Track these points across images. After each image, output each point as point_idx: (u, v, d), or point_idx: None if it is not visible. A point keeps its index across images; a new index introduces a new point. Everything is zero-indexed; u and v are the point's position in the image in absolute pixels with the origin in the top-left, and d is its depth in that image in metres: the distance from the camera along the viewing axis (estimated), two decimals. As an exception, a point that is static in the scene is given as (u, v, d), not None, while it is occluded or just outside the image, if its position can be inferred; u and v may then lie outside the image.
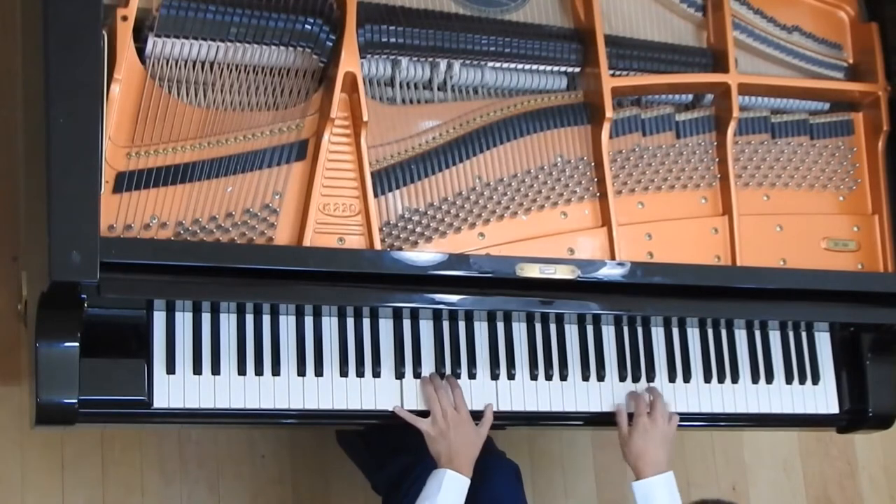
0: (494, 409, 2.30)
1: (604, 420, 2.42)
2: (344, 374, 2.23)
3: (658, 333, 2.46)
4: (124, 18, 2.08)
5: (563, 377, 2.38)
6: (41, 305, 1.96)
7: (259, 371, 2.17)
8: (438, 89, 2.35)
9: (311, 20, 2.19)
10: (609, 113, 2.35)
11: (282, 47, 2.19)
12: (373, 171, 2.22)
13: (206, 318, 2.16)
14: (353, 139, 2.21)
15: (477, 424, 2.26)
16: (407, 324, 2.29)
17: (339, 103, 2.18)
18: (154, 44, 2.12)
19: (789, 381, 2.54)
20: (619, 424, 2.36)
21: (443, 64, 2.32)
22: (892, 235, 2.57)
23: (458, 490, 2.18)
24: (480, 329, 2.34)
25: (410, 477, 2.31)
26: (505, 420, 2.36)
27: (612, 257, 2.34)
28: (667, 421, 2.35)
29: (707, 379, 2.48)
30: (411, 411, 2.24)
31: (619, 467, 3.18)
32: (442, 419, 2.21)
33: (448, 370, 2.29)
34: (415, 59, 2.30)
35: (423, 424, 2.22)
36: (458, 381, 2.29)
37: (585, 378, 2.39)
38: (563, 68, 2.41)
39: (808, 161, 2.58)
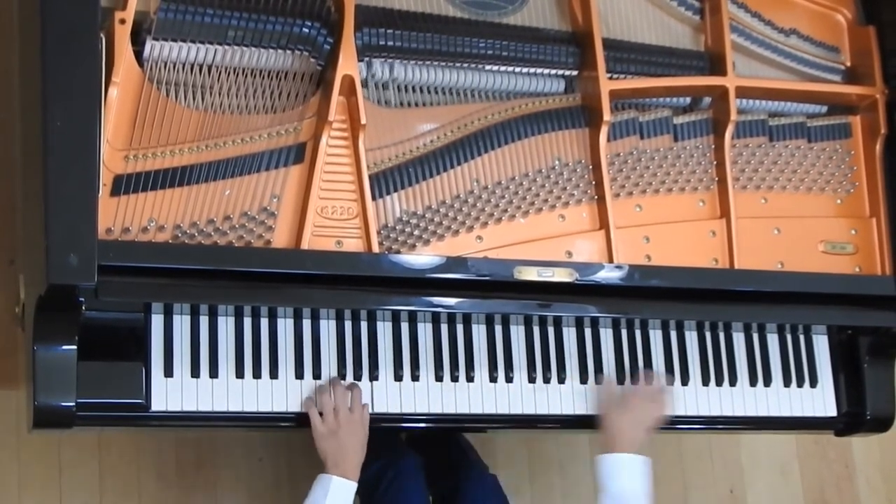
0: (492, 411, 2.30)
1: (602, 423, 2.42)
2: (342, 377, 2.23)
3: (656, 336, 2.46)
4: (122, 21, 2.08)
5: (561, 380, 2.37)
6: (38, 308, 1.96)
7: (257, 374, 2.17)
8: (436, 92, 2.35)
9: (309, 23, 2.20)
10: (607, 116, 2.35)
11: (279, 50, 2.19)
12: (371, 174, 2.22)
13: (203, 321, 2.16)
14: (350, 142, 2.21)
15: None
16: (405, 327, 2.29)
17: (336, 106, 2.18)
18: (152, 47, 2.12)
19: (787, 383, 2.55)
20: (605, 384, 2.32)
21: (441, 67, 2.33)
22: (890, 238, 2.57)
23: (346, 497, 2.12)
24: (478, 332, 2.34)
25: (384, 480, 2.30)
26: (503, 423, 2.36)
27: (610, 260, 2.33)
28: (656, 407, 2.33)
29: (705, 382, 2.48)
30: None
31: (616, 470, 3.18)
32: (332, 417, 2.15)
33: (446, 373, 2.29)
34: (412, 62, 2.30)
35: (314, 418, 2.16)
36: (457, 384, 2.29)
37: (583, 381, 2.39)
38: (560, 71, 2.41)
39: (805, 164, 2.58)
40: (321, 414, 2.16)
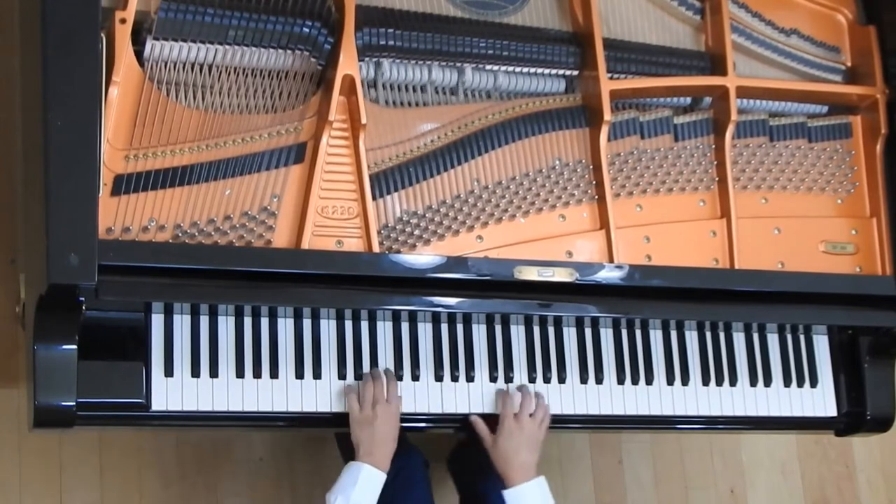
0: (492, 411, 2.30)
1: (603, 422, 2.42)
2: (342, 376, 2.23)
3: (656, 336, 2.46)
4: (123, 21, 2.08)
5: (562, 380, 2.38)
6: (39, 308, 1.96)
7: (257, 374, 2.18)
8: (436, 92, 2.35)
9: (310, 23, 2.20)
10: (607, 116, 2.35)
11: (280, 50, 2.19)
12: (371, 174, 2.22)
13: (204, 320, 2.16)
14: (351, 142, 2.22)
15: None
16: (405, 326, 2.29)
17: (337, 106, 2.18)
18: (152, 46, 2.12)
19: (787, 383, 2.55)
20: (479, 433, 2.27)
21: (441, 67, 2.33)
22: (890, 238, 2.57)
23: (374, 486, 2.15)
24: (479, 332, 2.34)
25: (394, 485, 2.29)
26: (503, 423, 2.36)
27: (611, 260, 2.33)
28: (536, 423, 2.27)
29: (705, 382, 2.48)
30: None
31: (616, 470, 3.18)
32: (370, 406, 2.18)
33: (446, 373, 2.29)
34: (413, 62, 2.30)
35: (353, 405, 2.19)
36: (457, 383, 2.29)
37: (584, 381, 2.39)
38: (561, 71, 2.41)
39: (806, 164, 2.58)
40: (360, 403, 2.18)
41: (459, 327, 2.33)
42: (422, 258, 2.20)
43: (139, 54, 2.11)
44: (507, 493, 2.22)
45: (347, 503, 2.11)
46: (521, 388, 2.32)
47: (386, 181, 2.24)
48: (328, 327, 2.25)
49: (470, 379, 2.31)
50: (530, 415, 2.27)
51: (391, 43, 2.27)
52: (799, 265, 2.49)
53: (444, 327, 2.32)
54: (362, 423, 2.17)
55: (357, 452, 2.17)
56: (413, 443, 2.44)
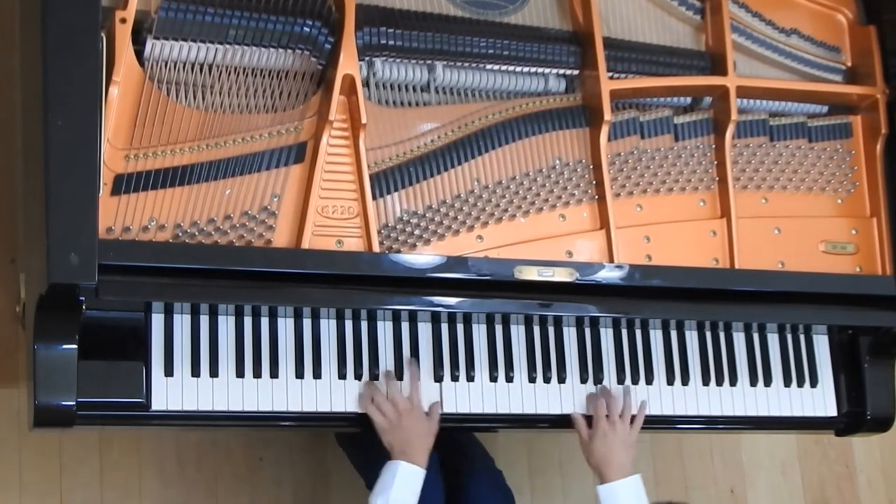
0: (492, 411, 2.30)
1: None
2: (342, 376, 2.23)
3: (656, 336, 2.46)
4: (123, 21, 2.08)
5: (562, 380, 2.38)
6: (39, 307, 1.96)
7: (257, 373, 2.17)
8: (437, 92, 2.35)
9: (310, 23, 2.20)
10: (607, 115, 2.35)
11: (280, 50, 2.19)
12: (371, 174, 2.22)
13: (204, 320, 2.16)
14: (351, 141, 2.21)
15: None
16: (405, 326, 2.29)
17: (337, 106, 2.18)
18: (153, 46, 2.12)
19: (787, 383, 2.55)
20: (578, 430, 2.33)
21: (440, 67, 2.33)
22: (891, 238, 2.57)
23: (414, 481, 2.16)
24: (479, 331, 2.34)
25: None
26: (503, 423, 2.36)
27: (611, 260, 2.33)
28: (627, 423, 2.32)
29: (705, 382, 2.48)
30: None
31: (617, 470, 3.18)
32: (392, 411, 2.19)
33: (446, 372, 2.29)
34: (413, 61, 2.30)
35: (375, 416, 2.20)
36: (457, 383, 2.29)
37: (584, 381, 2.39)
38: (561, 71, 2.41)
39: (806, 164, 2.58)
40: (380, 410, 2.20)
41: (459, 327, 2.33)
42: (422, 258, 2.20)
43: (139, 54, 2.11)
44: (602, 488, 2.26)
45: (388, 503, 2.13)
46: (604, 391, 2.36)
47: (386, 181, 2.24)
48: (328, 327, 2.24)
49: (470, 379, 2.31)
50: (620, 416, 2.32)
51: (391, 42, 2.27)
52: (799, 265, 2.49)
53: (444, 327, 2.32)
54: (388, 430, 2.19)
55: (392, 456, 2.19)
56: None
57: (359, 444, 2.55)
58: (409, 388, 2.24)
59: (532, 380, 2.35)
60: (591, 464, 2.31)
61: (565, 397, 2.37)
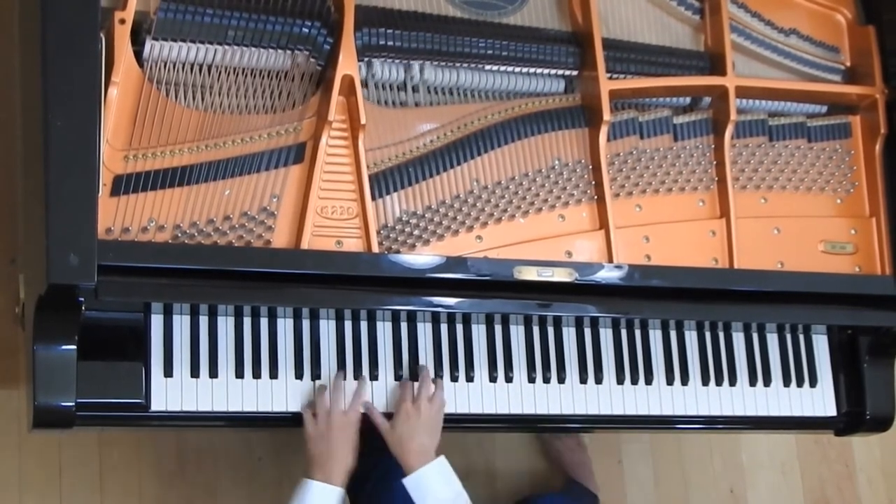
0: (492, 411, 2.30)
1: (602, 422, 2.42)
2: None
3: (656, 336, 2.46)
4: (122, 21, 2.08)
5: (561, 380, 2.38)
6: (38, 308, 1.96)
7: (257, 374, 2.18)
8: (436, 92, 2.35)
9: (309, 23, 2.20)
10: (607, 116, 2.36)
11: (279, 50, 2.19)
12: (370, 174, 2.22)
13: (203, 320, 2.16)
14: (350, 142, 2.22)
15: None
16: (405, 327, 2.29)
17: (336, 106, 2.18)
18: (152, 47, 2.12)
19: (787, 383, 2.55)
20: (375, 421, 2.18)
21: (440, 67, 2.33)
22: (890, 238, 2.57)
23: (325, 502, 2.07)
24: (478, 332, 2.34)
25: (372, 478, 2.29)
26: (503, 423, 2.36)
27: (610, 260, 2.34)
28: (432, 406, 2.18)
29: (705, 382, 2.48)
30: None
31: (616, 470, 3.18)
32: (325, 418, 2.13)
33: (446, 373, 2.29)
34: (412, 62, 2.31)
35: (307, 422, 2.14)
36: (456, 383, 2.29)
37: (583, 381, 2.39)
38: (560, 71, 2.42)
39: (805, 164, 2.58)
40: (315, 414, 2.15)
41: (459, 327, 2.33)
42: (421, 258, 2.20)
43: (138, 54, 2.11)
44: (407, 481, 2.12)
45: None
46: (421, 369, 2.25)
47: (385, 181, 2.25)
48: (328, 327, 2.25)
49: (469, 379, 2.31)
50: (429, 399, 2.19)
51: (390, 43, 2.28)
52: (798, 265, 2.49)
53: (444, 327, 2.32)
54: (314, 438, 2.12)
55: (309, 468, 2.12)
56: None
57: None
58: (356, 401, 2.18)
59: (531, 380, 2.35)
60: (393, 451, 2.15)
61: (565, 397, 2.37)
